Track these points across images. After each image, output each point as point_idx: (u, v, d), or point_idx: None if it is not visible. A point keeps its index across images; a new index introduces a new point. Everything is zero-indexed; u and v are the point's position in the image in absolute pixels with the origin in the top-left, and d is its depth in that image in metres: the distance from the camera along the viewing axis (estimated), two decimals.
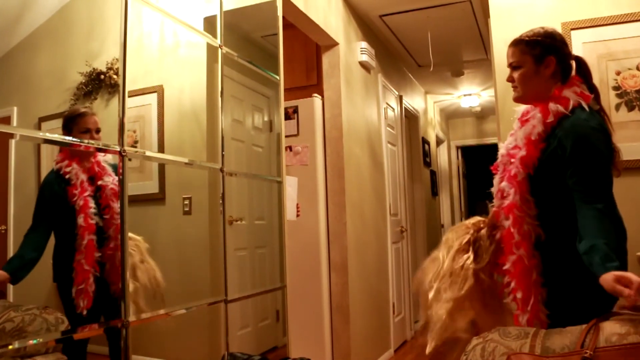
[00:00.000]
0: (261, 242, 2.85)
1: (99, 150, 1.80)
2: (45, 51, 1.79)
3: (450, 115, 8.48)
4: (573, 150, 1.69)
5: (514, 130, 1.94)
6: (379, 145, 4.70)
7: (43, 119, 1.75)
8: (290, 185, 2.98)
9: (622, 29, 3.06)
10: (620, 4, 3.08)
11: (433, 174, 7.06)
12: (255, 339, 2.71)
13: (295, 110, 3.83)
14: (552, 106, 1.77)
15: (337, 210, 3.78)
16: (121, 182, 1.80)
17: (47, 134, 1.68)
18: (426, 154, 6.59)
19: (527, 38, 1.88)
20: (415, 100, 6.28)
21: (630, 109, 3.03)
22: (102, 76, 1.87)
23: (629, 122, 3.02)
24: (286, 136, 3.58)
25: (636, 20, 3.05)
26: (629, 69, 3.04)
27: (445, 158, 8.10)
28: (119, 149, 1.79)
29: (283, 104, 2.96)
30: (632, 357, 1.23)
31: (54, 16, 1.81)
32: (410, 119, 6.11)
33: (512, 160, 1.83)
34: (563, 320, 1.55)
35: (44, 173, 1.78)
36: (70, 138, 1.69)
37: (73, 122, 1.78)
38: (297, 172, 3.66)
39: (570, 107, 1.75)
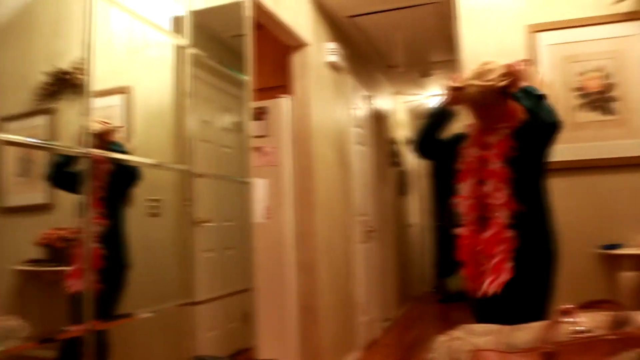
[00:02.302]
0: (230, 244, 2.84)
1: (63, 153, 1.77)
2: (8, 50, 1.75)
3: (419, 116, 8.56)
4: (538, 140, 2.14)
5: (471, 142, 2.29)
6: (348, 146, 4.72)
7: (6, 119, 1.71)
8: (259, 186, 2.98)
9: (586, 31, 3.17)
10: (584, 7, 3.17)
11: (402, 174, 7.12)
12: (223, 341, 2.70)
13: (265, 111, 3.82)
14: (512, 116, 2.18)
15: (305, 210, 3.78)
16: (86, 186, 1.77)
17: (10, 136, 1.64)
18: (395, 154, 6.65)
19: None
20: (384, 101, 6.33)
21: (592, 109, 3.11)
22: (67, 76, 1.84)
23: (591, 123, 3.11)
24: (255, 137, 3.57)
25: (599, 24, 3.15)
26: (591, 70, 3.12)
27: (413, 158, 8.18)
28: (84, 151, 1.76)
29: (252, 105, 2.96)
30: (591, 350, 1.27)
31: (17, 14, 1.78)
32: (379, 119, 6.16)
33: (488, 160, 2.18)
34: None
35: (4, 176, 1.75)
36: (33, 140, 1.66)
37: None
38: (266, 173, 3.65)
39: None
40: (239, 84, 2.84)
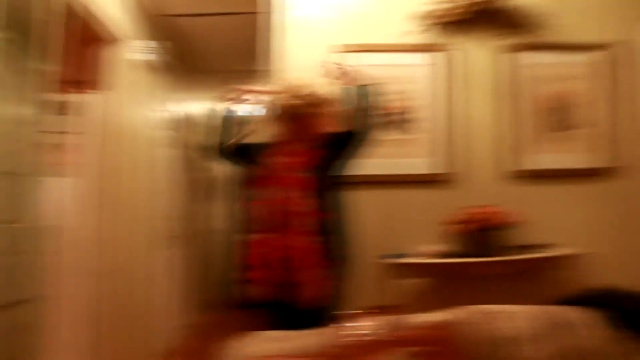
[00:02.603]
0: (15, 248, 2.58)
1: None
2: None
3: (224, 122, 8.61)
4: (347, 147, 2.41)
5: (276, 150, 2.47)
6: (157, 149, 4.60)
7: None
8: (58, 186, 2.77)
9: (389, 57, 3.54)
10: (388, 35, 3.54)
11: (210, 179, 7.12)
12: (6, 355, 2.45)
13: (71, 105, 3.54)
14: (319, 127, 2.38)
15: (108, 214, 3.59)
16: None
17: None
18: (204, 159, 6.62)
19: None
20: (197, 105, 6.28)
21: (392, 128, 3.46)
22: None
23: (389, 141, 3.44)
24: (58, 133, 3.32)
25: (398, 51, 3.54)
26: (393, 93, 3.47)
27: (221, 163, 8.19)
28: None
29: (53, 98, 2.74)
30: (370, 351, 1.42)
31: None
32: (190, 123, 6.09)
33: (293, 168, 2.34)
34: None
35: None
36: None
37: None
38: (70, 172, 3.40)
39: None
40: (42, 74, 2.62)
